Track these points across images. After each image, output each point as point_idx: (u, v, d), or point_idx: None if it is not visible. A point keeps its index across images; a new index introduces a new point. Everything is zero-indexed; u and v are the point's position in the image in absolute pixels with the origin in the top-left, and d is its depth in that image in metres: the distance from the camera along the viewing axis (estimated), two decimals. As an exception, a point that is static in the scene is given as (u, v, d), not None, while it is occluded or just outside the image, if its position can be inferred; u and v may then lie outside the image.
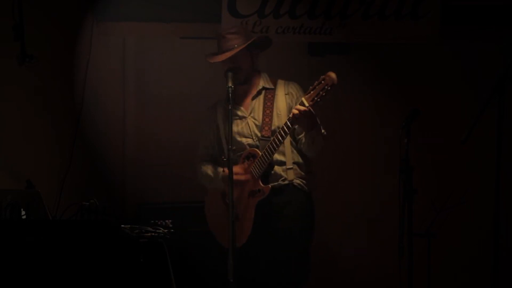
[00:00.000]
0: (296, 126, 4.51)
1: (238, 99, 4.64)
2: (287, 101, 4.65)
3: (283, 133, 4.45)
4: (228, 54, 4.54)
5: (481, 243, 5.05)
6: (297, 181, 4.62)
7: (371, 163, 5.91)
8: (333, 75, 4.31)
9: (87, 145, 5.53)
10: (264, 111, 4.63)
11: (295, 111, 4.36)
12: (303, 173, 4.64)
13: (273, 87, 4.69)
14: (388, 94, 5.85)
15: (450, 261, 5.75)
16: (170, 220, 4.85)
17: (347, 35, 5.41)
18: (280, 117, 4.60)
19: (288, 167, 4.60)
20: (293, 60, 5.83)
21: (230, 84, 4.43)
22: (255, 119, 4.65)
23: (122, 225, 3.97)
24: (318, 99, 4.34)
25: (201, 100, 5.57)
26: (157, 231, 4.04)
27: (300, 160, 4.64)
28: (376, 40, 5.49)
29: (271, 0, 5.37)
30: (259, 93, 4.68)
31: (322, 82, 4.33)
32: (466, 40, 5.61)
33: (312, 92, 4.37)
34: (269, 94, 4.67)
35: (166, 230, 4.11)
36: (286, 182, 4.59)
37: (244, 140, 4.63)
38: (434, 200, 5.18)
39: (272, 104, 4.64)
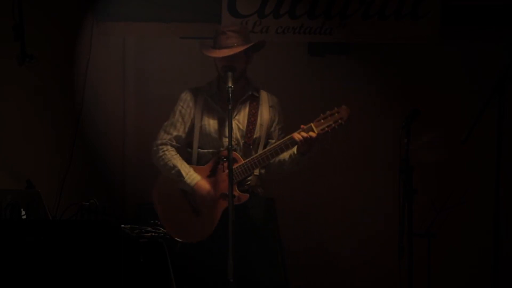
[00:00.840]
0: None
1: (224, 97, 4.55)
2: (270, 114, 4.66)
3: (278, 151, 4.45)
4: (228, 52, 4.52)
5: (481, 243, 5.04)
6: (258, 189, 4.64)
7: (371, 163, 5.91)
8: (347, 109, 4.38)
9: (87, 145, 5.53)
10: (249, 118, 4.62)
11: (304, 135, 4.36)
12: (261, 181, 4.66)
13: (257, 95, 4.68)
14: (388, 94, 5.85)
15: (450, 261, 5.75)
16: (170, 220, 4.83)
17: (347, 35, 5.41)
18: (262, 128, 4.61)
19: (255, 173, 4.60)
20: (293, 60, 5.83)
21: (230, 84, 4.41)
22: (239, 122, 4.62)
23: (122, 225, 3.97)
24: (329, 130, 4.37)
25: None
26: (157, 231, 4.04)
27: (262, 171, 4.65)
28: (376, 40, 5.49)
29: (271, 0, 5.37)
30: (246, 98, 4.66)
31: (336, 114, 4.36)
32: (466, 40, 5.61)
33: (322, 121, 4.39)
34: (254, 102, 4.66)
35: (166, 230, 4.11)
36: (250, 188, 4.60)
37: (225, 140, 4.58)
38: (434, 200, 5.19)
39: (257, 113, 4.63)
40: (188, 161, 4.65)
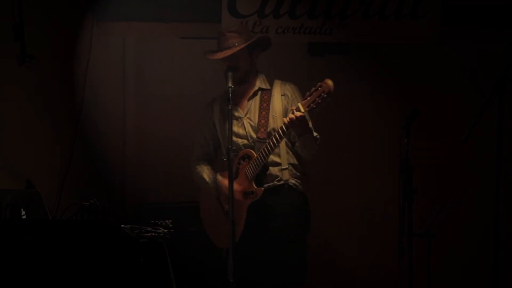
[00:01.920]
0: None
1: (235, 99, 4.59)
2: (283, 103, 4.64)
3: (278, 137, 4.44)
4: (228, 52, 4.53)
5: (481, 243, 5.04)
6: (292, 181, 4.61)
7: (371, 163, 5.91)
8: (330, 82, 4.30)
9: (87, 145, 5.53)
10: (260, 112, 4.63)
11: (291, 116, 4.36)
12: (298, 174, 4.64)
13: (269, 87, 4.68)
14: (388, 94, 5.85)
15: (450, 261, 5.75)
16: (170, 220, 4.85)
17: (347, 35, 5.41)
18: (275, 119, 4.60)
19: (283, 167, 4.59)
20: (293, 60, 5.83)
21: (230, 84, 4.42)
22: (250, 120, 4.64)
23: (122, 225, 3.97)
24: (314, 106, 4.34)
25: (201, 100, 5.56)
26: (157, 231, 4.04)
27: (296, 161, 4.64)
28: (376, 40, 5.49)
29: (271, 0, 5.37)
30: (255, 94, 4.67)
31: (319, 88, 4.33)
32: (466, 40, 5.61)
33: (308, 98, 4.36)
34: (265, 95, 4.66)
35: (166, 230, 4.11)
36: (281, 182, 4.59)
37: (240, 141, 4.62)
38: (434, 200, 5.18)
39: (268, 105, 4.63)
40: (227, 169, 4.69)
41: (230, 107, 4.35)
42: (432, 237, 4.94)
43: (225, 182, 4.55)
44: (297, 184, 4.63)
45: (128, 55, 5.96)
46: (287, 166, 4.60)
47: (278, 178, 4.59)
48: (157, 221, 4.48)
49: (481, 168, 5.28)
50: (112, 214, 3.97)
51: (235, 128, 4.62)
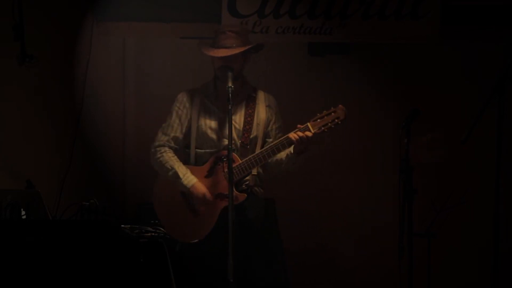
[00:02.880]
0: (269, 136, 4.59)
1: (220, 97, 4.58)
2: (267, 114, 4.65)
3: (275, 150, 4.44)
4: (226, 52, 4.52)
5: (481, 243, 5.04)
6: (256, 189, 4.64)
7: (371, 163, 5.91)
8: (344, 109, 4.37)
9: (87, 145, 5.53)
10: (245, 118, 4.62)
11: (300, 134, 4.36)
12: (260, 183, 4.66)
13: (254, 94, 4.68)
14: (388, 94, 5.85)
15: (450, 261, 5.75)
16: (170, 220, 4.84)
17: (347, 35, 5.41)
18: (259, 128, 4.61)
19: (253, 173, 4.60)
20: (293, 60, 5.83)
21: (230, 84, 4.41)
22: (236, 122, 4.60)
23: (122, 225, 3.97)
24: (326, 130, 4.36)
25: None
26: (157, 231, 4.04)
27: (261, 170, 4.65)
28: (376, 40, 5.49)
29: (271, 0, 5.37)
30: (242, 98, 4.66)
31: (333, 114, 4.36)
32: (466, 40, 5.61)
33: (319, 120, 4.38)
34: (251, 102, 4.66)
35: (165, 230, 4.11)
36: (249, 188, 4.60)
37: (223, 140, 4.58)
38: (434, 200, 5.19)
39: (254, 112, 4.63)
40: (187, 161, 4.66)
41: (230, 107, 4.34)
42: (432, 237, 4.94)
43: (201, 185, 4.53)
44: (260, 191, 4.65)
45: (128, 55, 5.96)
46: (256, 173, 4.62)
47: (247, 183, 4.59)
48: (157, 221, 4.48)
49: (481, 168, 5.28)
50: (112, 214, 3.97)
51: (216, 126, 4.60)
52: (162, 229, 4.13)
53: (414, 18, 5.38)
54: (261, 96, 4.69)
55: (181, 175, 4.59)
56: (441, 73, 5.87)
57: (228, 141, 4.34)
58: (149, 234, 3.97)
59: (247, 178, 4.59)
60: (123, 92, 5.97)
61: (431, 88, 5.86)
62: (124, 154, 5.97)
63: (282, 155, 4.55)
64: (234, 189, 4.40)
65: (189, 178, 4.58)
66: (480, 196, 5.21)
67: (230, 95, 4.36)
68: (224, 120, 4.56)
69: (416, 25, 5.38)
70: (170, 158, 4.64)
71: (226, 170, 4.44)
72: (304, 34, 5.41)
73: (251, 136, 4.60)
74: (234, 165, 4.43)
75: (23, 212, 3.90)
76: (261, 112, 4.65)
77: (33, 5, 4.98)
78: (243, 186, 4.58)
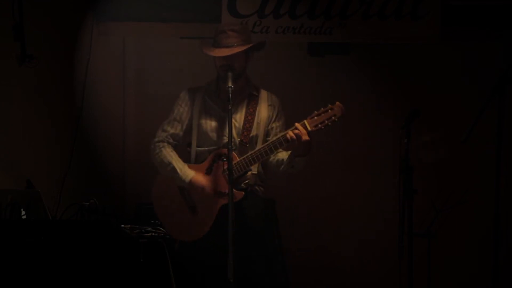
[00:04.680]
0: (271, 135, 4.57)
1: (222, 95, 4.58)
2: (268, 113, 4.65)
3: (273, 148, 4.43)
4: (227, 52, 4.52)
5: (481, 243, 5.04)
6: (256, 187, 4.63)
7: (371, 163, 5.91)
8: (341, 106, 4.35)
9: (87, 145, 5.53)
10: (246, 116, 4.62)
11: (296, 132, 4.34)
12: (260, 182, 4.66)
13: (257, 94, 4.68)
14: (388, 94, 5.85)
15: (450, 261, 5.75)
16: (170, 220, 4.84)
17: (347, 35, 5.41)
18: (259, 126, 4.61)
19: (253, 172, 4.59)
20: (293, 60, 5.83)
21: (230, 84, 4.40)
22: (236, 121, 4.61)
23: (122, 225, 3.97)
24: (322, 127, 4.35)
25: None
26: (157, 231, 4.04)
27: (261, 169, 4.64)
28: (376, 40, 5.49)
29: (271, 0, 5.37)
30: (244, 97, 4.66)
31: (330, 111, 4.35)
32: (466, 40, 5.60)
33: (316, 118, 4.37)
34: (253, 101, 4.66)
35: (166, 230, 4.11)
36: (249, 187, 4.59)
37: (223, 138, 4.57)
38: (434, 200, 5.18)
39: (255, 111, 4.63)
40: (188, 160, 4.66)
41: (230, 107, 4.34)
42: (432, 237, 4.94)
43: (199, 178, 4.53)
44: (261, 190, 4.64)
45: (128, 55, 5.96)
46: (256, 172, 4.61)
47: (246, 181, 4.59)
48: (157, 221, 4.48)
49: (481, 168, 5.28)
50: (112, 214, 3.97)
51: (217, 124, 4.60)
52: (162, 229, 4.13)
53: (414, 18, 5.38)
54: (264, 95, 4.69)
55: (178, 170, 4.58)
56: (441, 73, 5.87)
57: (228, 141, 4.34)
58: (149, 234, 3.98)
59: (247, 177, 4.59)
60: (123, 92, 5.97)
61: (431, 88, 5.86)
62: (124, 154, 5.97)
63: (284, 155, 4.55)
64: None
65: (186, 172, 4.57)
66: (480, 196, 5.20)
67: (230, 94, 4.35)
68: (224, 119, 4.55)
69: (416, 25, 5.38)
70: (169, 153, 4.64)
71: (225, 168, 4.43)
72: (304, 34, 5.41)
73: (251, 135, 4.59)
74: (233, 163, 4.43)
75: (23, 212, 3.90)
76: (263, 111, 4.65)
77: (33, 5, 4.98)
78: (242, 185, 4.58)
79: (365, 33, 5.42)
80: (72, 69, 5.44)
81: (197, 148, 4.65)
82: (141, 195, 5.76)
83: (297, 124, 4.40)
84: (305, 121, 4.38)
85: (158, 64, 5.88)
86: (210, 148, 4.61)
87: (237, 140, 4.57)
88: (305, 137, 4.35)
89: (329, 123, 4.35)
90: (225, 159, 4.40)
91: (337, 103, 4.37)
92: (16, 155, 5.26)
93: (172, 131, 4.68)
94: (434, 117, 5.64)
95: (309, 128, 4.36)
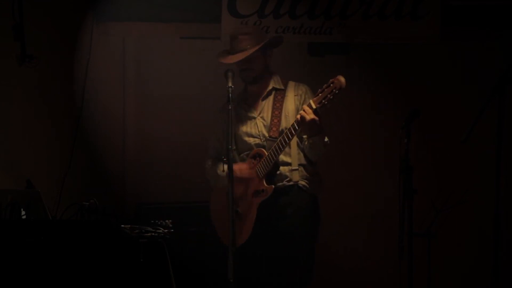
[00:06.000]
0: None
1: (249, 99, 4.67)
2: (295, 103, 4.65)
3: (289, 135, 4.45)
4: (241, 56, 4.54)
5: (481, 243, 5.04)
6: (302, 183, 4.61)
7: (371, 163, 5.91)
8: (342, 78, 4.34)
9: (87, 145, 5.53)
10: (273, 112, 4.63)
11: (302, 112, 4.37)
12: (308, 175, 4.64)
13: (283, 88, 4.69)
14: (388, 94, 5.85)
15: (450, 261, 5.75)
16: (170, 220, 4.84)
17: (347, 35, 5.42)
18: (288, 119, 4.60)
19: (293, 168, 4.60)
20: (293, 60, 5.82)
21: (230, 84, 4.41)
22: (263, 119, 4.64)
23: (122, 225, 3.97)
24: (326, 102, 4.35)
25: (201, 100, 5.58)
26: (157, 231, 4.04)
27: (306, 162, 4.64)
28: (376, 40, 5.49)
29: (271, 0, 5.37)
30: (269, 93, 4.68)
31: (331, 85, 4.35)
32: (466, 40, 5.61)
33: (320, 94, 4.38)
34: (279, 95, 4.67)
35: (166, 230, 4.11)
36: (291, 183, 4.59)
37: (252, 140, 4.63)
38: (434, 200, 5.18)
39: (282, 105, 4.64)
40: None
41: (230, 107, 4.35)
42: (432, 237, 4.93)
43: (239, 166, 4.56)
44: (307, 185, 4.62)
45: (128, 55, 5.96)
46: (297, 167, 4.60)
47: (288, 179, 4.59)
48: (157, 221, 4.49)
49: (481, 168, 5.28)
50: (112, 214, 3.97)
51: (248, 128, 4.65)
52: (162, 229, 4.13)
53: (414, 18, 5.38)
54: (290, 87, 4.69)
55: (219, 172, 4.66)
56: (441, 73, 5.87)
57: (229, 141, 4.35)
58: (149, 234, 3.98)
59: (287, 173, 4.58)
60: (123, 92, 5.97)
61: (431, 88, 5.86)
62: (124, 154, 5.97)
63: (305, 141, 4.56)
64: (264, 183, 4.50)
65: (225, 167, 4.57)
66: (480, 196, 5.20)
67: (230, 95, 4.36)
68: (253, 121, 4.64)
69: (416, 25, 5.38)
70: (216, 166, 4.72)
71: (258, 166, 4.52)
72: (304, 34, 5.41)
73: (280, 129, 4.59)
74: (262, 160, 4.51)
75: (23, 212, 3.90)
76: (290, 103, 4.65)
77: (33, 5, 4.99)
78: (284, 182, 4.57)
79: (365, 33, 5.42)
80: (72, 69, 5.45)
81: (240, 155, 4.69)
82: (141, 195, 5.77)
83: (303, 106, 4.42)
84: (311, 101, 4.40)
85: (158, 64, 5.88)
86: (248, 152, 4.64)
87: (267, 136, 4.59)
88: (310, 116, 4.35)
89: (331, 97, 4.34)
90: (225, 160, 4.42)
91: (338, 76, 4.37)
92: (16, 155, 5.26)
93: (217, 150, 4.74)
94: (434, 117, 5.64)
95: (314, 106, 4.37)
